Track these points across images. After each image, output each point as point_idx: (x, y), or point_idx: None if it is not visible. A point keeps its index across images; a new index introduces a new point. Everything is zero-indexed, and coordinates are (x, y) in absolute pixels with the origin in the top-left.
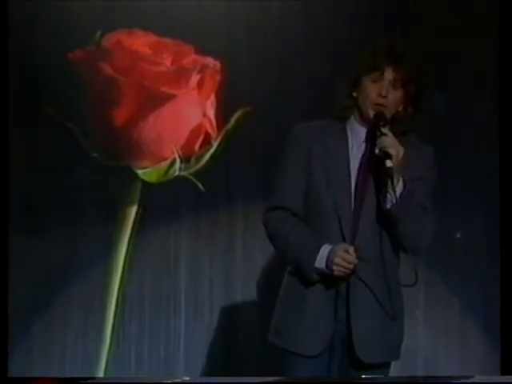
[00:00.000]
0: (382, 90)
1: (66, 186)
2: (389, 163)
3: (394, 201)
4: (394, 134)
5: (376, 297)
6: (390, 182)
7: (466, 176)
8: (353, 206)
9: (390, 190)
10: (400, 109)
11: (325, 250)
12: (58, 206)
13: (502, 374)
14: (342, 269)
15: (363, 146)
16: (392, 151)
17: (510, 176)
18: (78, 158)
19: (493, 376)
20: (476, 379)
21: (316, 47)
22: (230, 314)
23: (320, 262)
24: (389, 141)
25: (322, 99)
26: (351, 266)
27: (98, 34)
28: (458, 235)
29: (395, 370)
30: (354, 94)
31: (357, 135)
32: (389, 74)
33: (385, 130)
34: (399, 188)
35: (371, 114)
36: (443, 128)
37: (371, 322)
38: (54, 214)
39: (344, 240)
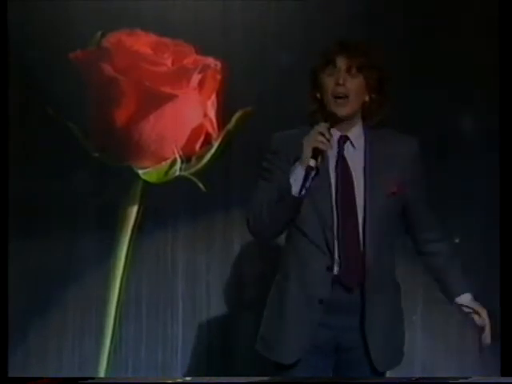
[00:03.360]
0: (339, 79)
1: (65, 187)
2: (312, 162)
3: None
4: (370, 127)
5: (383, 302)
6: None
7: (466, 179)
8: (335, 209)
9: None
10: (366, 99)
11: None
12: (57, 207)
13: (502, 376)
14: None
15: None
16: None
17: (510, 179)
18: (78, 158)
19: (491, 377)
20: (473, 379)
21: (316, 47)
22: (228, 318)
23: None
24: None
25: None
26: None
27: (99, 33)
28: (457, 240)
29: (394, 374)
30: (318, 95)
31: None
32: (341, 63)
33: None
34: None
35: (334, 110)
36: (442, 131)
37: (383, 330)
38: (53, 215)
39: (327, 244)
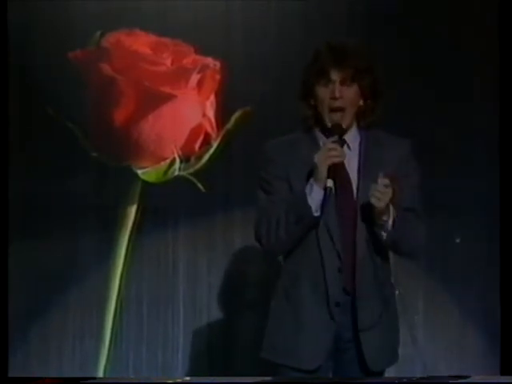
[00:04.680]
0: (335, 93)
1: (65, 187)
2: (329, 183)
3: (389, 228)
4: (364, 128)
5: (376, 302)
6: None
7: (466, 180)
8: (336, 211)
9: (381, 223)
10: (361, 103)
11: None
12: (57, 207)
13: (502, 375)
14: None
15: None
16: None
17: (510, 179)
18: (77, 158)
19: (491, 376)
20: (473, 379)
21: (315, 47)
22: (228, 318)
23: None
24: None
25: None
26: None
27: (98, 34)
28: (458, 240)
29: (395, 374)
30: (312, 102)
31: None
32: (335, 76)
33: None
34: (391, 218)
35: (329, 123)
36: (443, 133)
37: (376, 330)
38: (53, 215)
39: (334, 246)
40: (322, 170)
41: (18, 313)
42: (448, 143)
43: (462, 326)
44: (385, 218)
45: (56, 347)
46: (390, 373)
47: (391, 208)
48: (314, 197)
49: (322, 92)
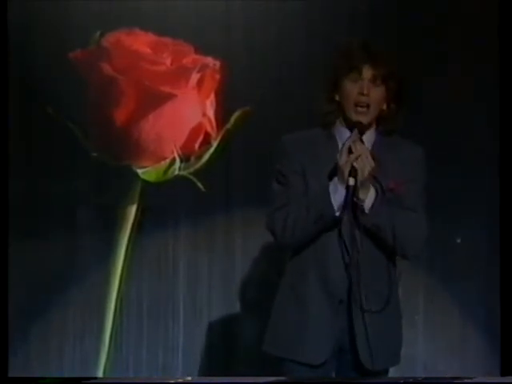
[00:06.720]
0: (363, 89)
1: (65, 187)
2: (351, 181)
3: (366, 211)
4: (380, 133)
5: (377, 303)
6: (357, 196)
7: (467, 180)
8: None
9: (359, 203)
10: (384, 107)
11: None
12: (57, 207)
13: (502, 376)
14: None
15: None
16: (359, 164)
17: (510, 179)
18: (77, 158)
19: (494, 377)
20: (477, 380)
21: (316, 47)
22: (229, 318)
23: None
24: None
25: None
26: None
27: (98, 33)
28: (459, 240)
29: (395, 375)
30: (336, 97)
31: (345, 140)
32: (367, 72)
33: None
34: (370, 198)
35: (354, 117)
36: (443, 133)
37: (374, 330)
38: (53, 216)
39: (342, 243)
40: (346, 170)
41: (18, 313)
42: (448, 143)
43: (462, 326)
44: (361, 196)
45: (56, 347)
46: (390, 373)
47: (371, 188)
48: (337, 198)
49: (350, 87)
